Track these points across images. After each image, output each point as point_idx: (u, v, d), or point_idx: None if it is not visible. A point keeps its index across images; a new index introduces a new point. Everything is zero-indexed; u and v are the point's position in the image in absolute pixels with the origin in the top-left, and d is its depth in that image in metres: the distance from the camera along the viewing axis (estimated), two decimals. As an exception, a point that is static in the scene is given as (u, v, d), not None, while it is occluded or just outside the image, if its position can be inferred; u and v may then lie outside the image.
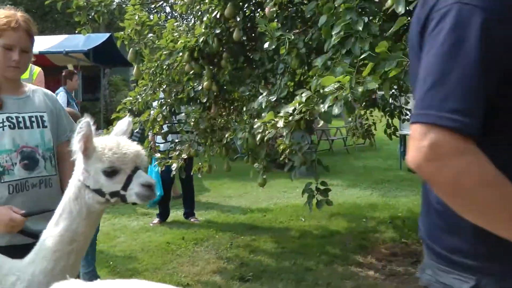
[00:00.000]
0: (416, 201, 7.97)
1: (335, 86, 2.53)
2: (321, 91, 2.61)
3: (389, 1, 2.58)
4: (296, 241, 6.13)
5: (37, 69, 5.95)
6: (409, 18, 2.66)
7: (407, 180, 10.24)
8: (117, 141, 2.23)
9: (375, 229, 6.51)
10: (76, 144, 2.15)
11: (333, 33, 2.96)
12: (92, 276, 4.03)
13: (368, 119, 7.80)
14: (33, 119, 2.56)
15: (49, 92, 2.81)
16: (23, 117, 2.53)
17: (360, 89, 2.42)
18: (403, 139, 11.71)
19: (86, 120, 2.12)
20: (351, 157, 14.14)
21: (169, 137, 5.67)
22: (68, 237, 2.23)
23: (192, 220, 7.28)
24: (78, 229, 2.24)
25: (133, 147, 2.24)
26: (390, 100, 6.96)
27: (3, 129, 2.45)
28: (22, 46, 2.54)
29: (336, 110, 2.53)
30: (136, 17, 5.37)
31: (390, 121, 7.07)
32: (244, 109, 4.84)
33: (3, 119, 2.47)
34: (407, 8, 2.74)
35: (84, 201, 2.22)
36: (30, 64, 5.99)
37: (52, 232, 2.25)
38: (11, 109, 2.51)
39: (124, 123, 2.39)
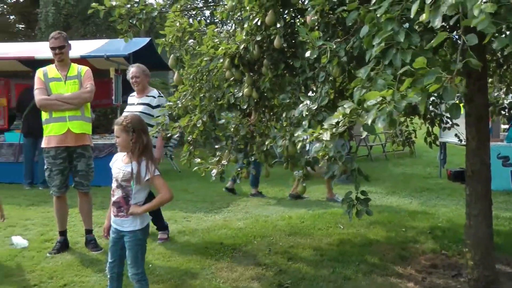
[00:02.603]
0: (456, 211, 7.85)
1: (378, 100, 2.50)
2: (365, 105, 2.58)
3: (424, 15, 2.53)
4: (335, 248, 6.08)
5: (84, 68, 6.25)
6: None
7: (447, 189, 10.11)
8: None
9: (415, 239, 6.41)
10: None
11: (374, 44, 2.94)
12: (141, 278, 4.05)
13: (408, 127, 7.69)
14: None
15: None
16: None
17: (403, 103, 2.39)
18: (443, 146, 11.56)
19: None
20: (389, 164, 14.02)
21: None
22: None
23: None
24: None
25: None
26: (431, 108, 6.87)
27: None
28: None
29: (379, 124, 2.50)
30: (177, 24, 5.42)
31: (430, 129, 6.97)
32: (284, 115, 4.82)
33: None
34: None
35: None
36: (77, 64, 6.30)
37: None
38: None
39: None
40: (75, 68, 6.21)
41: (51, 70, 6.16)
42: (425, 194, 9.62)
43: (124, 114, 6.37)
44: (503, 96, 7.21)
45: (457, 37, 3.05)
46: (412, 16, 2.64)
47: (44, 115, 6.08)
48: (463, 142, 5.31)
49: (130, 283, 4.20)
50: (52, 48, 6.07)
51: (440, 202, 8.84)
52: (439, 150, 11.58)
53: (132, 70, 6.66)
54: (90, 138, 6.35)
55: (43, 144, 6.10)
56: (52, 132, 6.01)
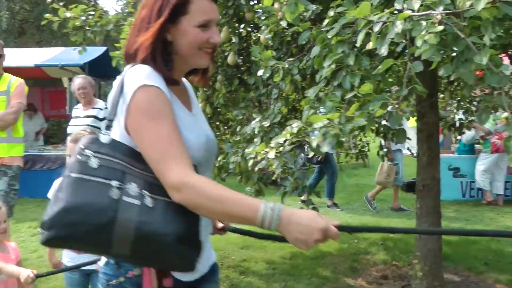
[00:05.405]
0: (408, 222, 7.99)
1: (325, 123, 2.54)
2: (309, 128, 2.62)
3: (371, 43, 2.58)
4: (287, 262, 6.12)
5: (16, 81, 5.20)
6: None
7: (399, 199, 10.24)
8: None
9: (367, 251, 6.51)
10: None
11: (324, 65, 2.97)
12: None
13: (361, 140, 7.78)
14: None
15: None
16: None
17: (349, 126, 2.44)
18: (396, 157, 11.73)
19: None
20: (343, 174, 14.09)
21: None
22: None
23: None
24: None
25: None
26: (384, 122, 6.96)
27: None
28: None
29: (324, 148, 2.53)
30: (132, 37, 5.40)
31: (383, 142, 7.06)
32: (238, 129, 4.85)
33: None
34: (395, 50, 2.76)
35: None
36: (10, 75, 5.23)
37: None
38: None
39: None
40: (6, 81, 5.16)
41: None
42: (378, 205, 9.73)
43: (72, 128, 6.27)
44: (454, 111, 7.36)
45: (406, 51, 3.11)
46: (358, 45, 2.67)
47: None
48: (415, 155, 5.43)
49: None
50: None
51: (393, 213, 8.99)
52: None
53: (79, 81, 6.36)
54: (21, 160, 5.29)
55: None
56: None
